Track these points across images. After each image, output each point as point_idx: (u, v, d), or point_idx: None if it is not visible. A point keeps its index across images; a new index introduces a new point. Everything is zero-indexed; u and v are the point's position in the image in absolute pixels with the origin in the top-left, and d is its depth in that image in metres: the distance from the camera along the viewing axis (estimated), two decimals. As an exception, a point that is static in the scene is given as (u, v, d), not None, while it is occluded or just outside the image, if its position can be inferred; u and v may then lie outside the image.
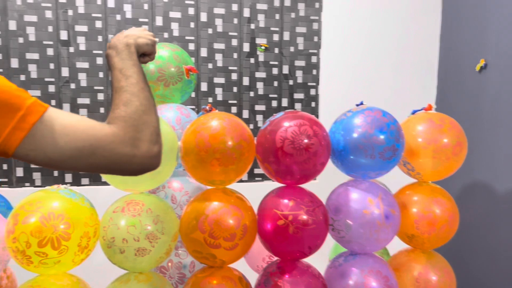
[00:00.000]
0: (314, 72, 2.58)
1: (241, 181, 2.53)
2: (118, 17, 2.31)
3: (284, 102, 2.56)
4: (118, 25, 2.30)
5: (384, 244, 1.43)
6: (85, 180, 2.37)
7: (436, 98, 2.64)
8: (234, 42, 2.46)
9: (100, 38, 2.30)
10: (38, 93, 2.24)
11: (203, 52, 2.43)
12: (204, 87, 2.45)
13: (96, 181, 2.38)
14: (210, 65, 2.44)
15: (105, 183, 2.39)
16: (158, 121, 0.79)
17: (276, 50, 2.52)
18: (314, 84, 2.59)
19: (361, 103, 1.55)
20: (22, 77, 2.22)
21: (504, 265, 1.97)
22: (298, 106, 2.57)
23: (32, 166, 2.28)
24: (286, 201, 1.37)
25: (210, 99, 2.46)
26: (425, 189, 1.56)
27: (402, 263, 1.58)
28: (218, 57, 2.46)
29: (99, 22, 2.29)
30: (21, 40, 2.20)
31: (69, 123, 0.69)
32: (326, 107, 2.59)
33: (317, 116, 2.60)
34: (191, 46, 2.41)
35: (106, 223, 1.22)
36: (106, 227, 1.21)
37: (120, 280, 1.28)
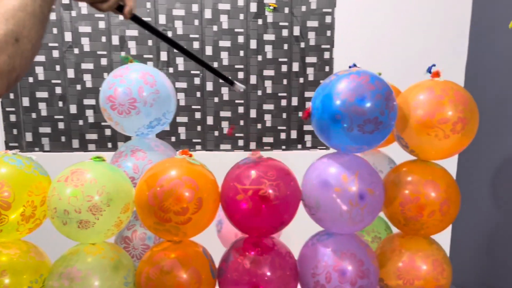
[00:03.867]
0: (329, 33, 2.35)
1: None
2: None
3: (295, 66, 2.37)
4: (118, -14, 2.21)
5: (359, 227, 1.26)
6: (91, 146, 2.38)
7: (466, 63, 2.31)
8: (241, 2, 2.29)
9: (102, 1, 2.23)
10: (43, 58, 2.25)
11: (207, 14, 2.29)
12: (209, 51, 2.32)
13: (102, 147, 2.38)
14: (215, 28, 2.30)
15: (112, 149, 2.39)
16: None
17: (286, 10, 2.31)
18: (328, 46, 2.36)
19: (353, 66, 1.36)
20: (26, 42, 2.22)
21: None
22: (310, 70, 2.37)
23: (41, 131, 2.33)
24: (249, 173, 1.25)
25: (216, 64, 2.33)
26: (419, 169, 1.35)
27: (393, 247, 1.41)
28: (223, 18, 2.30)
29: (100, -17, 2.21)
30: (21, 4, 2.19)
31: None
32: (340, 73, 2.36)
33: (330, 83, 2.39)
34: (195, 8, 2.27)
35: (50, 193, 1.17)
36: (50, 196, 1.17)
37: (71, 251, 1.24)
